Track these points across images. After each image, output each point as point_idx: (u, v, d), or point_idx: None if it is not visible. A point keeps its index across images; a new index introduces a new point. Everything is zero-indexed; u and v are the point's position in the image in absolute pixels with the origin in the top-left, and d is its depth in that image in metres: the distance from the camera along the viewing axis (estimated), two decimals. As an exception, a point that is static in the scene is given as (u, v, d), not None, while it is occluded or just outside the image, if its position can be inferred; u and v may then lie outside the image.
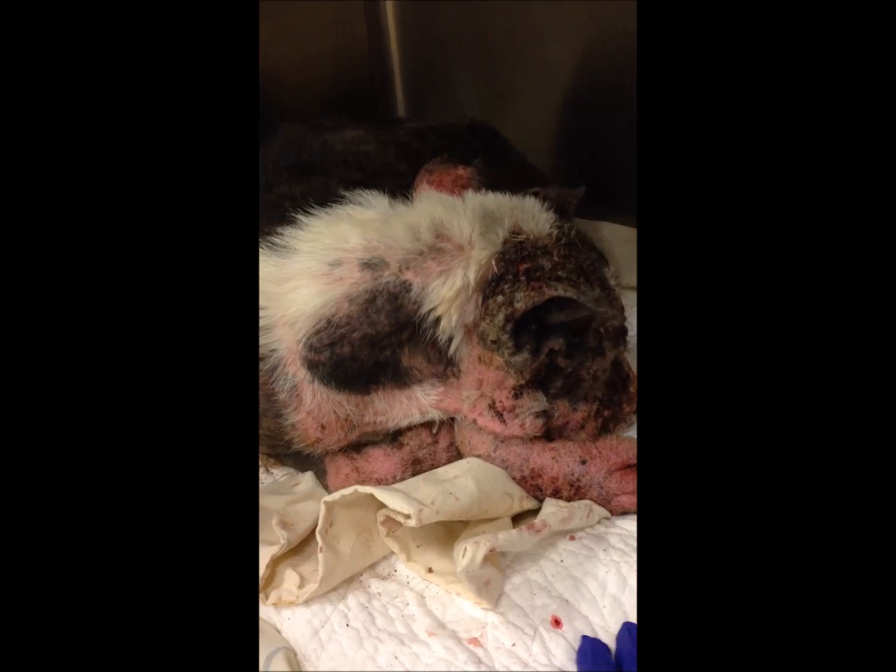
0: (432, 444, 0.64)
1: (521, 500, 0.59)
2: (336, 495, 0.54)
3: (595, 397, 0.64)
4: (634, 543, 0.56)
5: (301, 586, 0.53)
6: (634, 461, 0.62)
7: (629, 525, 0.59)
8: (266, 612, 0.53)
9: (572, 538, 0.58)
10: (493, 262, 0.56)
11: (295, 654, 0.50)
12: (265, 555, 0.53)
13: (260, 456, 0.68)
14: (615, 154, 1.00)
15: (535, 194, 0.63)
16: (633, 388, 0.68)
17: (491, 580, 0.52)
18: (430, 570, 0.54)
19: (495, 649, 0.49)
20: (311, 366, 0.57)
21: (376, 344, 0.57)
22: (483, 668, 0.48)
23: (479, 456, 0.62)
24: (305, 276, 0.57)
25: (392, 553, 0.57)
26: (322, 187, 0.70)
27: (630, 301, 0.73)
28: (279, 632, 0.52)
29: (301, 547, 0.57)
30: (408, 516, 0.51)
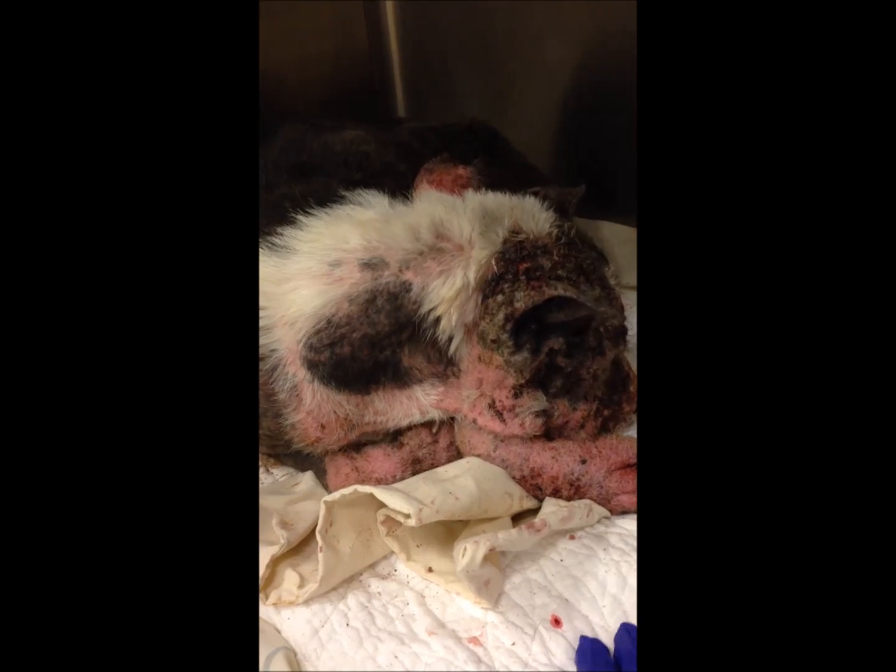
0: (432, 444, 0.64)
1: (520, 500, 0.59)
2: (336, 495, 0.54)
3: (595, 396, 0.64)
4: (634, 543, 0.56)
5: (301, 586, 0.53)
6: (634, 460, 0.62)
7: (629, 524, 0.59)
8: (266, 611, 0.53)
9: (572, 537, 0.58)
10: (493, 262, 0.56)
11: (295, 654, 0.50)
12: (265, 555, 0.53)
13: (260, 456, 0.68)
14: (615, 154, 1.00)
15: (535, 194, 0.63)
16: (632, 388, 0.68)
17: (491, 579, 0.52)
18: (429, 570, 0.55)
19: (495, 648, 0.49)
20: (311, 366, 0.57)
21: (376, 344, 0.57)
22: (483, 668, 0.48)
23: (478, 455, 0.62)
24: (305, 276, 0.57)
25: (392, 552, 0.57)
26: (322, 187, 0.70)
27: (630, 300, 0.73)
28: (279, 632, 0.52)
29: (301, 547, 0.57)
30: (408, 516, 0.51)
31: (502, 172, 0.83)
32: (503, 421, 0.60)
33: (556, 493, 0.61)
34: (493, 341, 0.57)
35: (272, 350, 0.57)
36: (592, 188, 0.69)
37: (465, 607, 0.53)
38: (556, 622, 0.51)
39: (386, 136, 0.87)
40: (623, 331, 0.65)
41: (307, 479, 0.64)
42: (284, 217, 0.61)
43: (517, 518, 0.60)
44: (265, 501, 0.59)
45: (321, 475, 0.65)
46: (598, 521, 0.59)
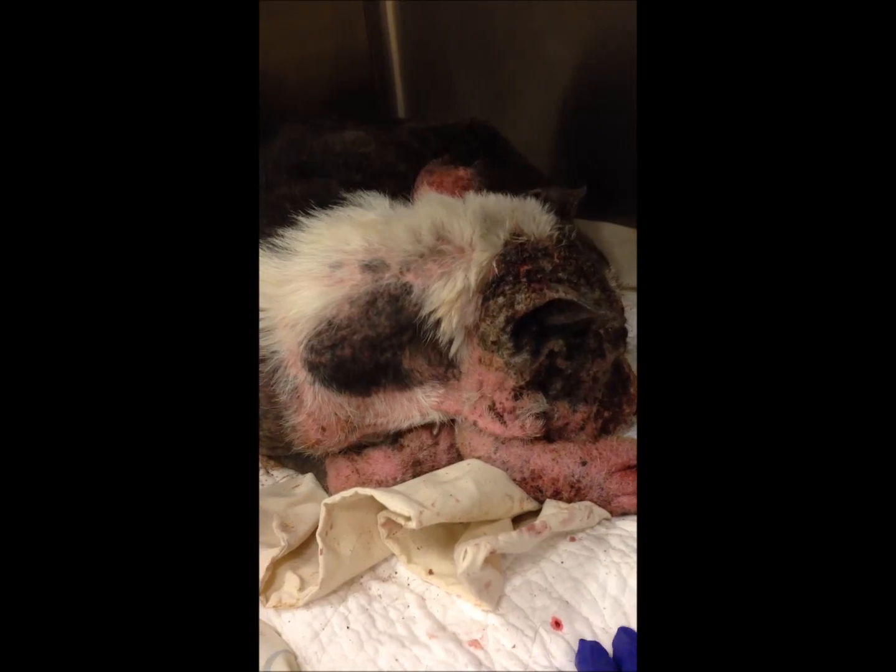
0: (433, 446, 0.64)
1: (521, 502, 0.59)
2: (336, 497, 0.54)
3: (595, 398, 0.64)
4: (635, 544, 0.56)
5: (301, 589, 0.53)
6: (635, 462, 0.62)
7: (629, 526, 0.59)
8: (266, 614, 0.53)
9: (573, 539, 0.58)
10: (494, 264, 0.56)
11: (295, 657, 0.50)
12: (265, 557, 0.53)
13: (260, 458, 0.68)
14: (615, 154, 1.00)
15: (537, 195, 0.63)
16: (633, 390, 0.68)
17: (491, 582, 0.52)
18: (430, 572, 0.54)
19: (496, 651, 0.49)
20: (312, 368, 0.57)
21: (377, 346, 0.57)
22: (483, 671, 0.48)
23: (479, 457, 0.62)
24: (306, 277, 0.57)
25: (392, 555, 0.57)
26: (323, 188, 0.70)
27: (630, 301, 0.73)
28: (279, 634, 0.52)
29: (301, 549, 0.57)
30: (408, 518, 0.51)
31: (502, 173, 0.83)
32: (503, 423, 0.60)
33: (556, 495, 0.61)
34: (494, 343, 0.57)
35: (273, 352, 0.57)
36: (592, 188, 0.69)
37: (465, 610, 0.53)
38: (557, 624, 0.51)
39: (386, 137, 0.87)
40: (623, 333, 0.65)
41: (307, 482, 0.64)
42: (285, 218, 0.61)
43: (518, 520, 0.60)
44: (265, 503, 0.59)
45: (321, 477, 0.64)
46: (599, 523, 0.59)
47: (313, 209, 0.61)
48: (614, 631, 0.50)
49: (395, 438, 0.64)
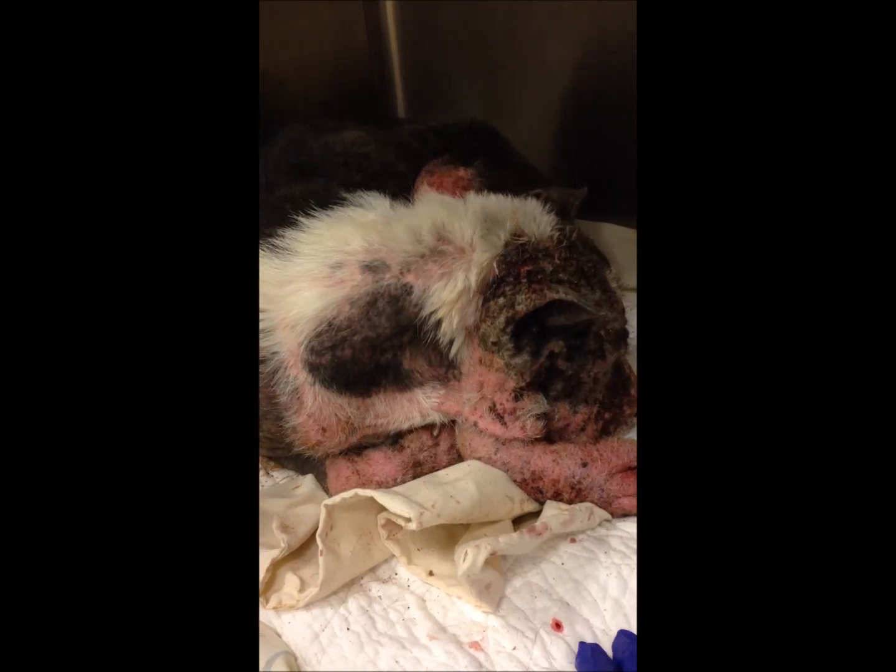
0: (433, 447, 0.64)
1: (521, 503, 0.59)
2: (336, 498, 0.54)
3: (596, 400, 0.64)
4: (636, 546, 0.56)
5: (301, 590, 0.53)
6: (635, 463, 0.61)
7: (630, 527, 0.59)
8: (266, 615, 0.53)
9: (573, 541, 0.58)
10: (495, 265, 0.56)
11: (295, 659, 0.50)
12: (265, 558, 0.53)
13: (260, 459, 0.68)
14: (615, 154, 1.00)
15: (537, 196, 0.63)
16: (634, 391, 0.68)
17: (492, 583, 0.52)
18: (430, 574, 0.54)
19: (496, 653, 0.49)
20: (313, 368, 0.57)
21: (377, 347, 0.56)
22: (484, 672, 0.48)
23: (479, 458, 0.62)
24: (306, 278, 0.57)
25: (393, 556, 0.57)
26: (323, 189, 0.70)
27: (631, 302, 0.73)
28: (279, 636, 0.52)
29: (301, 550, 0.57)
30: (408, 519, 0.51)
31: (503, 173, 0.83)
32: (504, 424, 0.60)
33: (557, 497, 0.61)
34: (494, 344, 0.57)
35: (273, 353, 0.57)
36: (592, 188, 0.69)
37: (466, 611, 0.52)
38: (557, 626, 0.51)
39: (386, 137, 0.87)
40: (624, 334, 0.64)
41: (308, 483, 0.64)
42: (285, 218, 0.61)
43: (518, 521, 0.60)
44: (265, 505, 0.59)
45: (322, 478, 0.64)
46: (600, 525, 0.59)
47: (313, 209, 0.61)
48: (615, 632, 0.50)
49: (395, 439, 0.64)
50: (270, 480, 0.68)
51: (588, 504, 0.59)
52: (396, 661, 0.49)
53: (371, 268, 0.56)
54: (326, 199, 0.62)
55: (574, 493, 0.60)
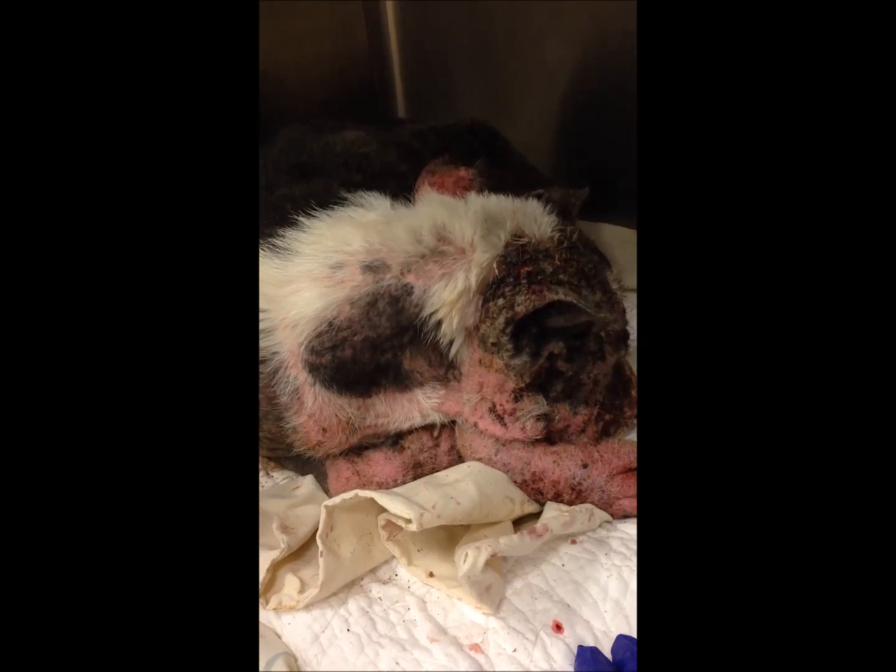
0: (433, 448, 0.63)
1: (522, 504, 0.59)
2: (336, 499, 0.54)
3: (596, 401, 0.64)
4: (636, 547, 0.56)
5: (301, 591, 0.53)
6: (636, 465, 0.61)
7: (631, 529, 0.59)
8: (266, 616, 0.53)
9: (574, 542, 0.58)
10: (495, 265, 0.56)
11: (295, 660, 0.50)
12: (265, 559, 0.53)
13: (260, 459, 0.68)
14: (615, 154, 1.00)
15: (538, 196, 0.63)
16: (634, 392, 0.68)
17: (492, 585, 0.51)
18: (431, 575, 0.54)
19: (496, 655, 0.49)
20: (313, 369, 0.57)
21: (377, 347, 0.56)
22: (484, 674, 0.48)
23: (480, 459, 0.62)
24: (307, 278, 0.57)
25: (393, 557, 0.57)
26: (323, 189, 0.70)
27: (631, 303, 0.73)
28: (279, 637, 0.52)
29: (301, 551, 0.57)
30: (409, 520, 0.51)
31: (503, 173, 0.83)
32: (504, 425, 0.60)
33: (557, 498, 0.60)
34: (494, 344, 0.57)
35: (273, 353, 0.57)
36: (592, 189, 0.69)
37: (466, 613, 0.52)
38: (558, 627, 0.51)
39: (386, 137, 0.87)
40: (624, 335, 0.64)
41: (308, 483, 0.64)
42: (285, 218, 0.61)
43: (518, 523, 0.60)
44: (265, 505, 0.59)
45: (322, 479, 0.64)
46: (600, 526, 0.59)
47: (314, 210, 0.60)
48: (615, 634, 0.50)
49: (395, 440, 0.63)
50: (270, 481, 0.68)
51: (588, 505, 0.59)
52: (397, 663, 0.49)
53: (371, 268, 0.56)
54: (327, 199, 0.62)
55: (574, 495, 0.60)
